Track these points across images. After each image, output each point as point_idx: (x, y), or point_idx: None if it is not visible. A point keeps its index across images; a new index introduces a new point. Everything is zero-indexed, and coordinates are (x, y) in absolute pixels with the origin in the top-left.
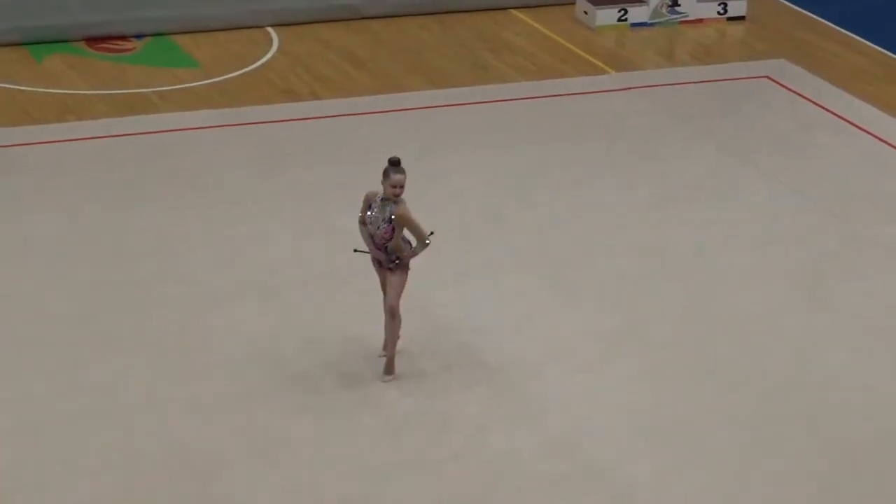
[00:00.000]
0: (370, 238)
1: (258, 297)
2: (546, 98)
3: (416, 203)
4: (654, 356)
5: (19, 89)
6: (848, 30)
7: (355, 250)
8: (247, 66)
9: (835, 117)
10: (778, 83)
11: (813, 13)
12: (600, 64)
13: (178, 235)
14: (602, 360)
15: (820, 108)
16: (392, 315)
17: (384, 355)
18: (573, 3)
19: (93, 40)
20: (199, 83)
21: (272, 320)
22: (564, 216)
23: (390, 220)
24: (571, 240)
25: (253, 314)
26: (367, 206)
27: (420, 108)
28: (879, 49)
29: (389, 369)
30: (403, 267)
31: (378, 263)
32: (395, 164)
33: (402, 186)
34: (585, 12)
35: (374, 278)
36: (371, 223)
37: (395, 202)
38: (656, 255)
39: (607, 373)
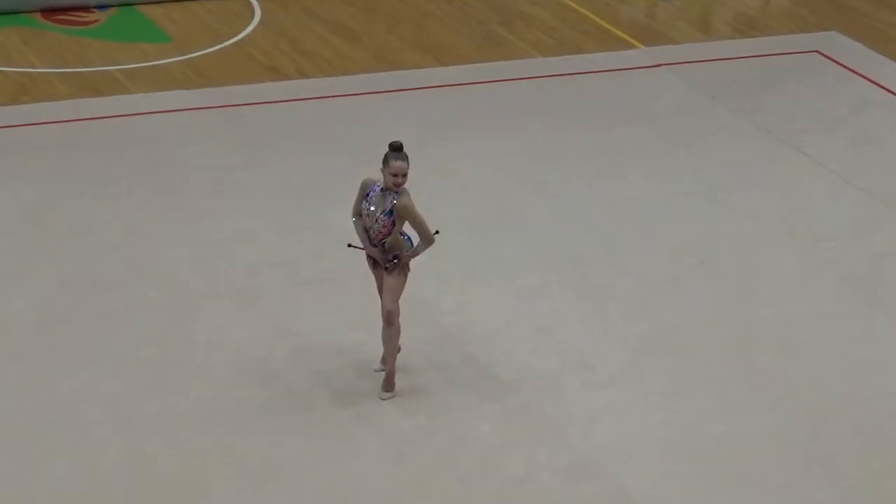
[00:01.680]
0: (365, 233)
1: (241, 302)
2: (565, 76)
3: (419, 195)
4: (689, 368)
5: None
6: None
7: (349, 245)
8: (225, 41)
9: (893, 96)
10: (829, 58)
11: None
12: (627, 37)
13: (150, 232)
14: (630, 372)
15: (876, 87)
16: (389, 322)
17: (382, 369)
18: None
19: (50, 12)
20: (172, 60)
21: (256, 328)
22: (587, 210)
23: (390, 213)
24: (595, 236)
25: (235, 320)
26: (364, 195)
27: (422, 89)
28: None
29: (388, 385)
30: (402, 267)
31: (374, 263)
32: (396, 149)
33: (404, 175)
34: None
35: (371, 281)
36: (367, 216)
37: (397, 192)
38: (692, 253)
39: (636, 387)
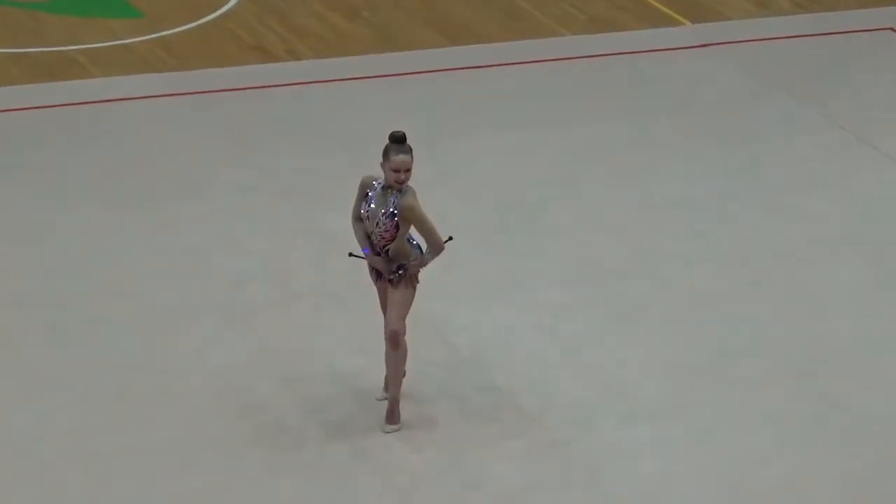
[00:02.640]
0: (367, 239)
1: (222, 320)
2: (599, 58)
3: (429, 197)
4: (742, 399)
5: None
6: None
7: (350, 254)
8: (203, 17)
9: None
10: None
11: None
12: (672, 13)
13: (116, 240)
14: (674, 403)
15: None
16: (394, 344)
17: (385, 397)
18: None
19: None
20: (141, 39)
21: (241, 350)
22: (622, 215)
23: (392, 215)
24: (632, 245)
25: (215, 342)
26: (364, 195)
27: (434, 72)
28: None
29: (392, 417)
30: (409, 279)
31: (377, 274)
32: (397, 140)
33: (407, 170)
34: None
35: (374, 295)
36: (368, 218)
37: (400, 191)
38: (744, 265)
39: (681, 421)
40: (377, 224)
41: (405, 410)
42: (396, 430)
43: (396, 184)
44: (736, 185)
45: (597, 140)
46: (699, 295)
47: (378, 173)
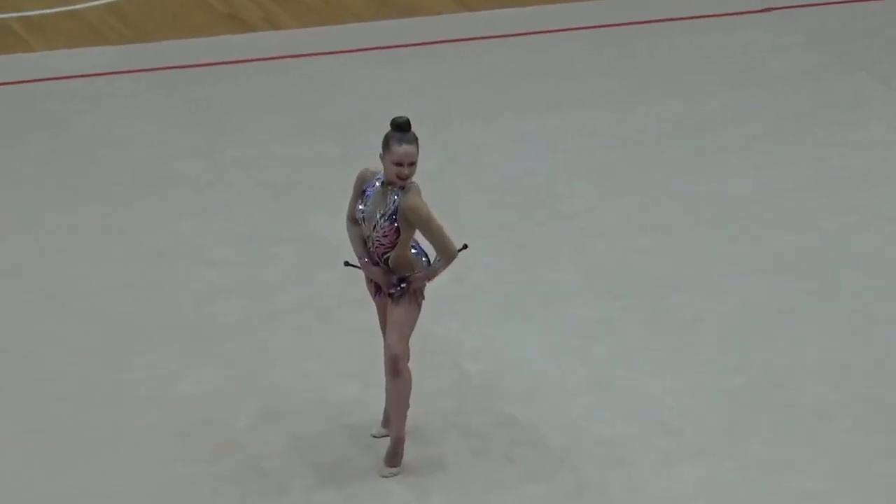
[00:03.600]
0: (363, 245)
1: (191, 342)
2: (638, 25)
3: (436, 194)
4: (808, 430)
5: None
6: None
7: (346, 263)
8: None
9: None
10: None
11: None
12: None
13: (66, 245)
14: (728, 437)
15: None
16: (395, 370)
17: (385, 434)
18: None
19: None
20: (91, 4)
21: (213, 377)
22: (666, 214)
23: (393, 217)
24: (677, 251)
25: (183, 367)
26: (360, 192)
27: (441, 43)
28: None
29: (394, 458)
30: (413, 294)
31: (375, 287)
32: (401, 127)
33: (411, 164)
34: None
35: (369, 312)
36: (364, 220)
37: (402, 188)
38: (810, 273)
39: (737, 457)
40: (374, 228)
41: (408, 450)
42: (397, 474)
43: (398, 180)
44: (801, 178)
45: (636, 123)
46: (755, 310)
47: (379, 166)
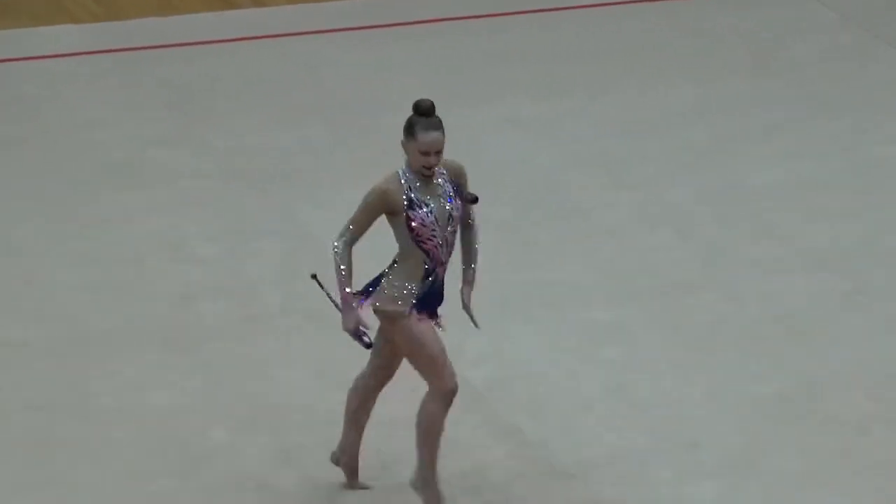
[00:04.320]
0: (351, 276)
1: (164, 349)
2: (650, 4)
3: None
4: (838, 443)
5: None
6: None
7: (314, 277)
8: None
9: None
10: None
11: None
12: None
13: (32, 243)
14: (751, 452)
15: None
16: (433, 425)
17: (339, 463)
18: None
19: None
20: None
21: (188, 387)
22: (684, 208)
23: (456, 195)
24: (696, 249)
25: (155, 377)
26: (392, 210)
27: (439, 21)
28: None
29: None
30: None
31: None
32: (426, 112)
33: (439, 152)
34: None
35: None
36: (435, 226)
37: (444, 169)
38: (842, 273)
39: (760, 474)
40: (450, 221)
41: (405, 464)
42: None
43: (426, 170)
44: (831, 169)
45: (652, 110)
46: (782, 313)
47: (383, 170)
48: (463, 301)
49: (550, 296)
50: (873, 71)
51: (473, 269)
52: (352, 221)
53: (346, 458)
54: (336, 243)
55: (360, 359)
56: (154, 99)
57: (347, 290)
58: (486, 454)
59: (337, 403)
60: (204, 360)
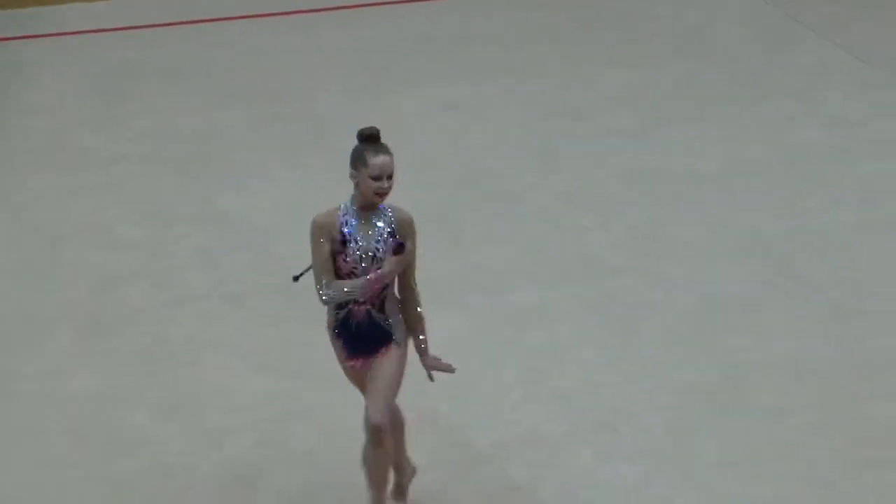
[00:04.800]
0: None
1: (87, 333)
2: None
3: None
4: (764, 429)
5: None
6: None
7: (296, 279)
8: None
9: None
10: None
11: None
12: None
13: None
14: (674, 437)
15: None
16: (376, 442)
17: None
18: None
19: None
20: None
21: (113, 369)
22: (611, 189)
23: (391, 234)
24: (622, 231)
25: (74, 363)
26: (331, 238)
27: (358, 7)
28: None
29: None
30: (406, 346)
31: (354, 350)
32: (373, 138)
33: (390, 176)
34: None
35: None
36: (363, 261)
37: (391, 211)
38: (770, 256)
39: (683, 459)
40: (374, 261)
41: (326, 449)
42: None
43: (378, 197)
44: (757, 155)
45: (579, 95)
46: (709, 298)
47: (326, 207)
48: (428, 374)
49: (476, 280)
50: (798, 57)
51: (423, 340)
52: (316, 271)
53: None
54: (321, 294)
55: (283, 343)
56: (78, 83)
57: (356, 284)
58: (405, 437)
59: (258, 388)
60: (126, 344)
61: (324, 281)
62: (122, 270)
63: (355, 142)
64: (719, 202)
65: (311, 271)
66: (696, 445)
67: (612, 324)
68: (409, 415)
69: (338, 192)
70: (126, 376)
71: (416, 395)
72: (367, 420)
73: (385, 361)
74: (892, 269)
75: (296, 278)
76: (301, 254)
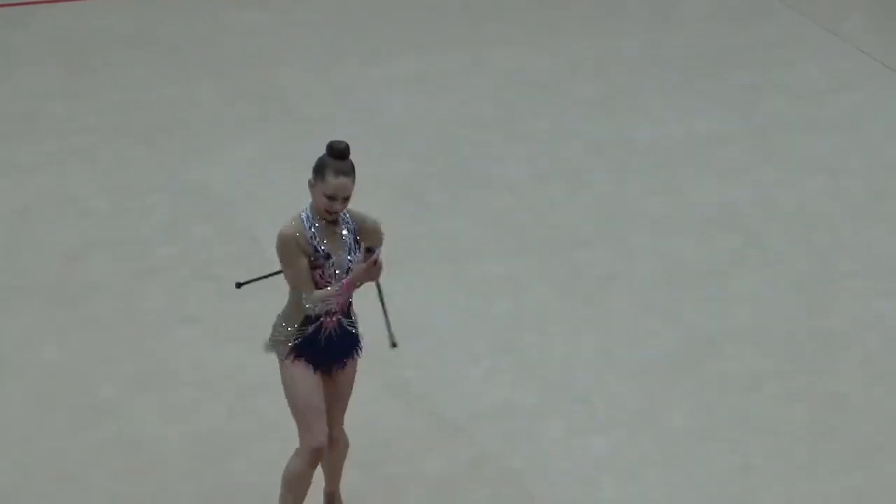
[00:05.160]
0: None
1: (52, 305)
2: None
3: (319, 143)
4: (732, 400)
5: None
6: None
7: (239, 285)
8: None
9: None
10: None
11: None
12: None
13: None
14: (644, 408)
15: None
16: (293, 481)
17: None
18: None
19: None
20: None
21: (77, 343)
22: (576, 161)
23: (359, 246)
24: (589, 202)
25: (44, 333)
26: (303, 251)
27: None
28: None
29: None
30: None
31: (320, 360)
32: (340, 154)
33: (346, 199)
34: None
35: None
36: (334, 273)
37: (351, 219)
38: (735, 227)
39: (653, 430)
40: (348, 271)
41: (280, 423)
42: None
43: (328, 214)
44: (726, 125)
45: (545, 65)
46: (677, 269)
47: (285, 218)
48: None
49: (441, 249)
50: (766, 28)
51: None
52: (293, 286)
53: None
54: (307, 304)
55: (251, 316)
56: (43, 53)
57: (330, 293)
58: (372, 408)
59: (227, 359)
60: (92, 315)
61: (304, 295)
62: (89, 241)
63: (322, 111)
64: (686, 173)
65: (259, 281)
66: (668, 416)
67: (579, 295)
68: (376, 383)
69: (303, 162)
70: (94, 348)
71: (382, 363)
72: (314, 438)
73: (345, 382)
74: (857, 239)
75: (238, 285)
76: (267, 225)
